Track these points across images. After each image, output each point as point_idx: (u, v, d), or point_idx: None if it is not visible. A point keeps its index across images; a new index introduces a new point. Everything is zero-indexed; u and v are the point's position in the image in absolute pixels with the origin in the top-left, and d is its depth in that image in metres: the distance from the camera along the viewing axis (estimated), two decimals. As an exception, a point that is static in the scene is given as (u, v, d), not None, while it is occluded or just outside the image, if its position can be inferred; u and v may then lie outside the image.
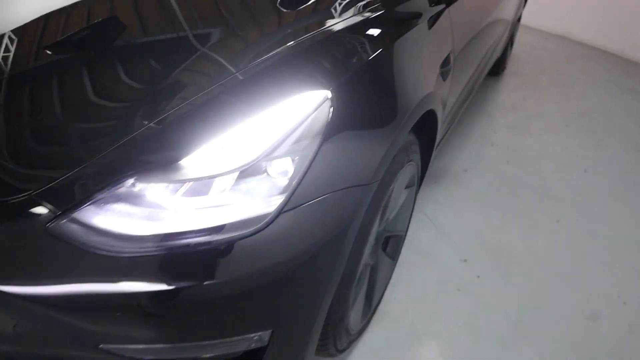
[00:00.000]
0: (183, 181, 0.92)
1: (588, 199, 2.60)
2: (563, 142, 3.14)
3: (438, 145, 1.96)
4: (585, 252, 2.23)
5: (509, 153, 2.93)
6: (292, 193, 0.97)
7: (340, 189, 1.06)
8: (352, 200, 1.10)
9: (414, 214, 2.27)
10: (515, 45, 4.71)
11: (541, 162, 2.88)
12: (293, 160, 0.99)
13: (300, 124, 1.01)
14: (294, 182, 0.98)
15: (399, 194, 1.56)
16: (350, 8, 1.42)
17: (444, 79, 1.68)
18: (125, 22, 1.38)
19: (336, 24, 1.31)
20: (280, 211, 0.95)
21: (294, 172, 0.98)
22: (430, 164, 1.89)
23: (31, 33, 1.33)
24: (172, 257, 0.89)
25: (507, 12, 3.16)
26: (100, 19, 1.36)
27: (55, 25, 1.37)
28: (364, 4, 1.47)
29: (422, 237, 2.19)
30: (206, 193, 0.94)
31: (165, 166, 0.92)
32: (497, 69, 3.92)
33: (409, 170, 1.56)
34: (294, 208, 0.97)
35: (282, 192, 0.97)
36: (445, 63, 1.68)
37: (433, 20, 1.60)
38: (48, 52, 1.25)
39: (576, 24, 5.13)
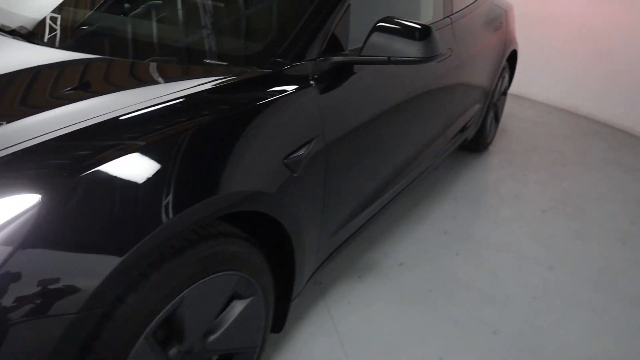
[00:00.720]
0: None
1: (544, 304, 2.19)
2: (533, 231, 2.75)
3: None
4: (520, 375, 1.83)
5: (462, 243, 2.57)
6: None
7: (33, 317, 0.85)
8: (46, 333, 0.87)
9: (319, 314, 1.98)
10: (510, 120, 4.41)
11: (499, 256, 2.50)
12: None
13: None
14: None
15: (209, 309, 1.28)
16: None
17: (295, 171, 1.42)
18: None
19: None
20: None
21: None
22: (299, 269, 1.60)
23: None
24: None
25: (473, 83, 2.90)
26: None
27: None
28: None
29: (316, 347, 1.86)
30: None
31: None
32: (477, 145, 3.61)
33: (227, 281, 1.30)
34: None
35: None
36: (296, 152, 1.43)
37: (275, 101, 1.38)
38: None
39: (583, 98, 4.78)
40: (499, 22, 3.26)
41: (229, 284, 1.32)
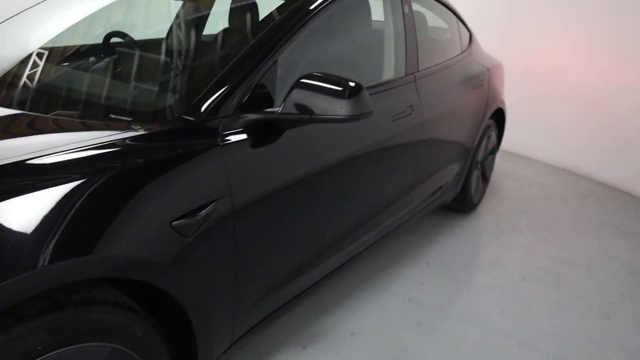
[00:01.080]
0: None
1: (506, 387, 1.97)
2: (508, 302, 2.54)
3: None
4: None
5: (426, 313, 2.38)
6: None
7: None
8: None
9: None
10: (505, 180, 4.24)
11: (464, 330, 2.29)
12: None
13: None
14: None
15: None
16: None
17: (187, 235, 1.31)
18: None
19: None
20: None
21: None
22: (203, 343, 1.46)
23: None
24: None
25: (445, 143, 2.79)
26: None
27: None
28: None
29: None
30: None
31: None
32: (462, 206, 3.44)
33: (93, 354, 1.17)
34: None
35: None
36: (190, 215, 1.31)
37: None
38: None
39: (583, 157, 4.60)
40: (479, 80, 3.16)
41: (96, 356, 1.18)
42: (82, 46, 2.15)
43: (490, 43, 4.91)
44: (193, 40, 2.20)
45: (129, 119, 1.46)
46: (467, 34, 3.41)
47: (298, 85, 1.52)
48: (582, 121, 4.61)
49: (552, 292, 2.67)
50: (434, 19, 3.05)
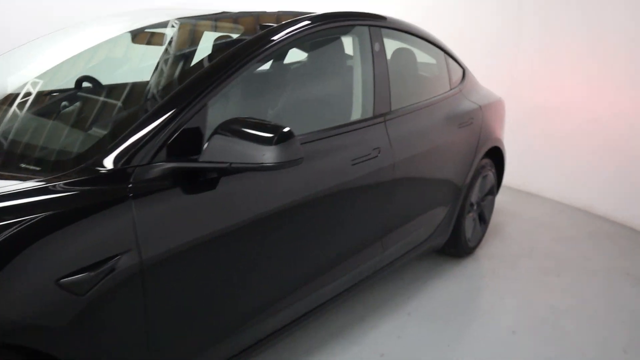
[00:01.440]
0: None
1: None
2: (491, 359, 2.33)
3: None
4: None
5: (397, 370, 2.20)
6: None
7: None
8: None
9: None
10: (512, 220, 4.02)
11: (437, 389, 2.11)
12: None
13: None
14: None
15: None
16: None
17: (80, 293, 1.22)
18: None
19: None
20: None
21: None
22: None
23: None
24: None
25: (425, 185, 2.66)
26: None
27: None
28: None
29: None
30: None
31: None
32: (457, 251, 3.25)
33: None
34: None
35: None
36: (84, 272, 1.23)
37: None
38: None
39: (600, 196, 4.33)
40: (469, 118, 3.02)
41: None
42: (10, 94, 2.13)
43: (501, 78, 4.79)
44: (114, 89, 2.15)
45: (38, 168, 1.41)
46: (460, 70, 3.30)
47: (219, 131, 1.44)
48: (599, 159, 4.36)
49: (543, 347, 2.44)
50: (419, 55, 2.96)
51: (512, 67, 4.83)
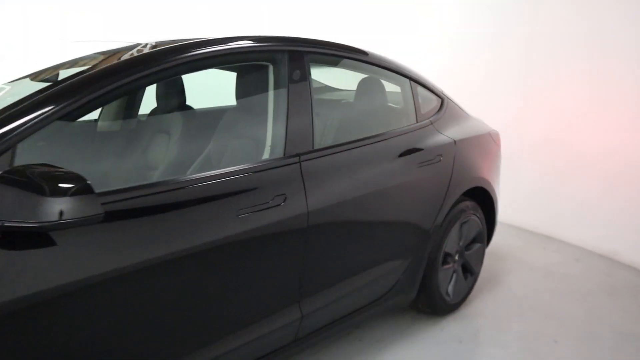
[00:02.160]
0: None
1: None
2: None
3: None
4: None
5: None
6: None
7: None
8: None
9: None
10: (517, 269, 3.51)
11: None
12: None
13: None
14: None
15: None
16: None
17: None
18: None
19: None
20: None
21: None
22: None
23: None
24: None
25: (365, 236, 2.27)
26: None
27: None
28: None
29: None
30: None
31: None
32: (434, 309, 2.79)
33: None
34: None
35: None
36: None
37: None
38: None
39: (623, 240, 3.73)
40: (435, 155, 2.60)
41: None
42: None
43: (508, 109, 4.34)
44: None
45: None
46: (436, 100, 2.90)
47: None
48: (624, 197, 3.78)
49: None
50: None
51: (520, 96, 4.37)
